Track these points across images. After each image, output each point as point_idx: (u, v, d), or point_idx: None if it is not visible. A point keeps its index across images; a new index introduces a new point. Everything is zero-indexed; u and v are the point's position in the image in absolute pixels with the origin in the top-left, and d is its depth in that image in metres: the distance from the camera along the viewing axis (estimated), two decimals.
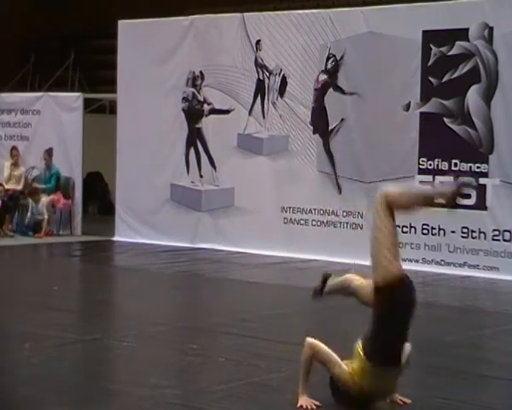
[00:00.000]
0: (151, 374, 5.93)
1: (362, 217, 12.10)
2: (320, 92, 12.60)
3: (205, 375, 6.07)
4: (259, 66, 13.21)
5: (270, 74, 13.09)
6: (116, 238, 14.22)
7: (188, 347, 6.80)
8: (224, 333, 7.43)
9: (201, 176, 13.65)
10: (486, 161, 11.25)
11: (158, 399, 5.36)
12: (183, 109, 13.80)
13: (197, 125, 13.72)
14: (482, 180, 11.16)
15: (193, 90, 13.72)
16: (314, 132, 12.67)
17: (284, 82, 12.95)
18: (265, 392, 5.62)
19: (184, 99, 13.78)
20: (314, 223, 12.56)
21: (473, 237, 11.26)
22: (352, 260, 10.72)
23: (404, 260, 11.36)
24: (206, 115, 13.64)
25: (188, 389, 5.75)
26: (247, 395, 5.52)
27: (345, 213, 12.30)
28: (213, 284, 10.52)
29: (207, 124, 13.64)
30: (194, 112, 13.74)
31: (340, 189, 12.41)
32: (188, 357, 6.50)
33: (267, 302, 9.23)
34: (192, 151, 13.75)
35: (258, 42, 13.17)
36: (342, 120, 12.34)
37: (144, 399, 5.35)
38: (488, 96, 11.23)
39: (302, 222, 12.65)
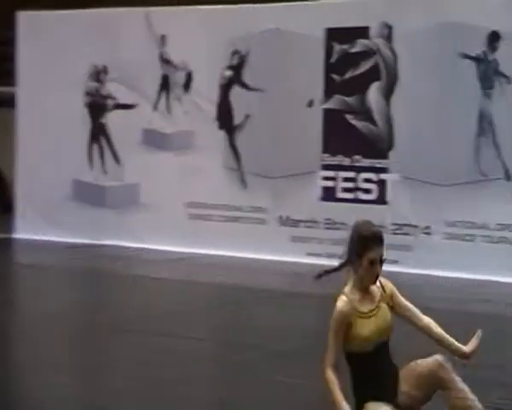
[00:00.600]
0: (52, 374, 5.84)
1: (267, 212, 12.22)
2: (225, 88, 12.64)
3: (107, 374, 6.02)
4: (164, 61, 13.14)
5: (175, 70, 13.04)
6: (16, 236, 13.89)
7: (90, 346, 6.73)
8: (126, 331, 7.38)
9: (105, 172, 13.49)
10: (387, 157, 11.52)
11: (59, 398, 5.29)
12: (86, 104, 13.61)
13: (101, 120, 13.55)
14: (382, 176, 11.45)
15: (96, 84, 13.55)
16: (219, 128, 12.70)
17: (189, 77, 12.93)
18: (167, 389, 5.62)
19: (87, 93, 13.59)
20: (219, 218, 12.60)
21: None
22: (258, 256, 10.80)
23: (309, 255, 11.74)
24: (110, 110, 13.49)
25: (91, 387, 5.69)
26: (151, 393, 5.51)
27: (250, 209, 12.39)
28: (118, 280, 10.43)
29: (111, 119, 13.49)
30: (97, 106, 13.56)
31: (245, 184, 12.48)
32: (91, 357, 6.43)
33: (172, 298, 9.22)
34: (96, 146, 13.58)
35: (162, 37, 13.10)
36: (247, 116, 12.42)
37: (42, 400, 5.27)
38: (388, 93, 11.50)
39: (208, 218, 12.67)
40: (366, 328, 4.00)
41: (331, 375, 4.03)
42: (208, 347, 7.03)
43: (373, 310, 4.02)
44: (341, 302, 4.02)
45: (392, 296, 4.07)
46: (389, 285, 4.11)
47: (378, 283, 4.05)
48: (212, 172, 12.61)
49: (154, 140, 13.16)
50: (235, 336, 7.74)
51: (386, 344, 4.07)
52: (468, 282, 10.12)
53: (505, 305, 8.92)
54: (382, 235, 3.97)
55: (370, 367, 4.05)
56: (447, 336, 4.00)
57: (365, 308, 4.02)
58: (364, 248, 3.90)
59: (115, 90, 13.38)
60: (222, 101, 12.68)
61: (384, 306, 4.05)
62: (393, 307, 4.07)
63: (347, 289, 4.10)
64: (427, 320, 4.07)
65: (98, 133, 13.57)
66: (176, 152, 13.00)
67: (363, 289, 4.06)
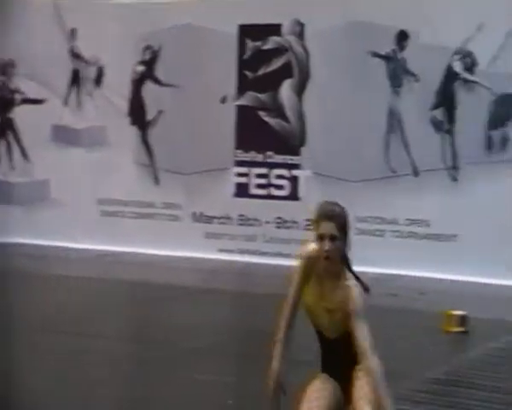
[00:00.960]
0: None
1: (180, 209, 12.18)
2: (137, 83, 12.53)
3: (24, 375, 5.90)
4: (74, 55, 12.93)
5: (85, 64, 12.85)
6: None
7: (6, 346, 6.59)
8: (42, 331, 7.25)
9: (13, 168, 13.20)
10: (299, 153, 11.65)
11: None
12: None
13: (8, 115, 13.25)
14: (295, 172, 11.58)
15: (3, 78, 13.23)
16: (131, 124, 12.59)
17: (101, 72, 12.76)
18: (86, 389, 5.56)
19: None
20: (132, 215, 12.49)
21: (286, 228, 11.63)
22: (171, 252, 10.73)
23: (221, 251, 11.77)
24: (18, 105, 13.19)
25: (7, 388, 5.58)
26: (69, 393, 5.44)
27: (163, 205, 12.33)
28: (29, 279, 10.20)
29: (19, 114, 13.20)
30: (4, 101, 13.25)
31: (158, 181, 12.41)
32: (7, 357, 6.30)
33: (86, 297, 9.09)
34: (3, 142, 13.27)
35: (72, 30, 12.89)
36: (160, 111, 12.34)
37: None
38: (300, 90, 11.62)
39: (120, 214, 12.54)
40: (312, 295, 3.74)
41: (280, 334, 3.82)
42: (125, 345, 6.96)
43: (329, 295, 3.71)
44: (309, 249, 3.72)
45: (350, 306, 3.63)
46: (356, 300, 3.65)
47: (349, 285, 3.65)
48: (124, 169, 12.49)
49: (65, 136, 12.95)
50: (150, 333, 7.70)
51: (337, 342, 3.70)
52: (379, 276, 10.31)
53: (412, 299, 9.13)
54: (333, 213, 3.70)
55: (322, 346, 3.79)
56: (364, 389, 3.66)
57: (323, 284, 3.71)
58: (317, 224, 3.73)
59: (23, 84, 13.10)
60: (134, 96, 12.57)
61: (339, 307, 3.68)
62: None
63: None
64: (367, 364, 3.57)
65: (5, 128, 13.27)
66: (87, 148, 12.82)
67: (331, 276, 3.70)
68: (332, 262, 3.70)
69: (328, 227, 3.67)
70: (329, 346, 3.79)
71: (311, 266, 3.76)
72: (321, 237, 3.67)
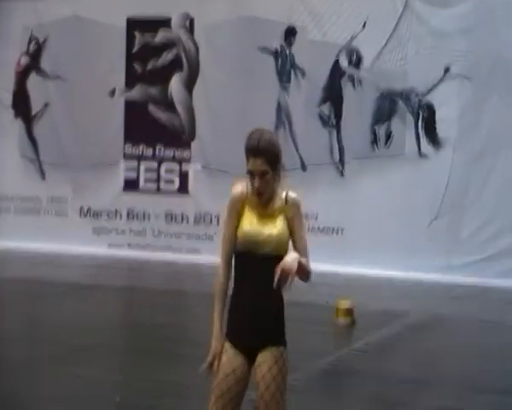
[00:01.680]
0: None
1: (67, 203, 11.96)
2: (22, 75, 12.22)
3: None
4: None
5: None
6: None
7: None
8: None
9: None
10: (189, 147, 11.63)
11: None
12: None
13: None
14: (184, 166, 11.56)
15: None
16: (16, 116, 12.27)
17: None
18: None
19: None
20: (18, 210, 12.18)
21: (176, 222, 11.59)
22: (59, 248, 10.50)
23: (111, 246, 11.61)
24: None
25: None
26: None
27: (49, 200, 12.07)
28: None
29: None
30: None
31: (43, 174, 12.15)
32: None
33: None
34: None
35: None
36: (46, 104, 12.08)
37: None
38: (190, 84, 11.59)
39: (5, 209, 12.21)
40: (249, 221, 3.67)
41: (218, 287, 3.65)
42: (5, 344, 6.78)
43: (265, 213, 3.68)
44: (235, 189, 3.70)
45: (291, 211, 3.69)
46: (295, 201, 3.73)
47: (283, 194, 3.71)
48: (8, 162, 12.17)
49: None
50: (33, 331, 7.53)
51: (268, 260, 3.59)
52: None
53: (301, 291, 9.24)
54: (261, 149, 3.65)
55: (239, 274, 3.66)
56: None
57: (257, 206, 3.68)
58: (246, 159, 3.71)
59: None
60: (18, 89, 12.25)
61: (280, 217, 3.70)
62: (289, 222, 3.69)
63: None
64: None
65: None
66: None
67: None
68: (264, 196, 3.68)
69: (257, 164, 3.61)
70: (254, 267, 3.63)
71: (242, 204, 3.71)
72: (251, 173, 3.66)
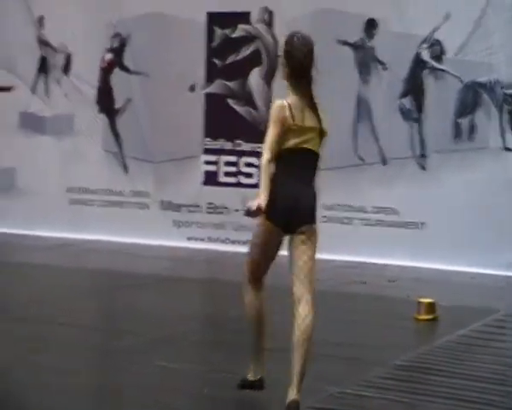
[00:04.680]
0: None
1: (148, 197, 12.14)
2: (106, 71, 12.45)
3: None
4: (42, 43, 12.81)
5: (53, 52, 12.73)
6: None
7: None
8: (7, 319, 7.19)
9: None
10: None
11: None
12: None
13: None
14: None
15: None
16: (100, 112, 12.51)
17: (69, 60, 12.66)
18: (46, 377, 5.53)
19: None
20: (100, 203, 12.42)
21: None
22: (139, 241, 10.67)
23: (190, 239, 11.73)
24: None
25: None
26: (30, 380, 5.41)
27: (131, 193, 12.28)
28: None
29: None
30: None
31: (126, 168, 12.36)
32: None
33: (54, 285, 9.03)
34: None
35: (40, 18, 12.76)
36: (129, 99, 12.28)
37: None
38: (269, 78, 11.60)
39: (88, 203, 12.47)
40: (297, 120, 4.84)
41: (266, 164, 4.61)
42: (89, 334, 6.93)
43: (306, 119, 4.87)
44: (280, 100, 4.90)
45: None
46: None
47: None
48: (92, 157, 12.43)
49: (32, 123, 12.83)
50: (116, 322, 7.67)
51: (311, 157, 4.85)
52: (348, 264, 10.37)
53: (381, 286, 9.18)
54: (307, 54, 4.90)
55: (284, 166, 4.67)
56: None
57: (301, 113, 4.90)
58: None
59: None
60: (102, 84, 12.49)
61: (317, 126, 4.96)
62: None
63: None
64: None
65: None
66: (55, 136, 12.72)
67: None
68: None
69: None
70: (299, 158, 4.76)
71: (284, 110, 4.95)
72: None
